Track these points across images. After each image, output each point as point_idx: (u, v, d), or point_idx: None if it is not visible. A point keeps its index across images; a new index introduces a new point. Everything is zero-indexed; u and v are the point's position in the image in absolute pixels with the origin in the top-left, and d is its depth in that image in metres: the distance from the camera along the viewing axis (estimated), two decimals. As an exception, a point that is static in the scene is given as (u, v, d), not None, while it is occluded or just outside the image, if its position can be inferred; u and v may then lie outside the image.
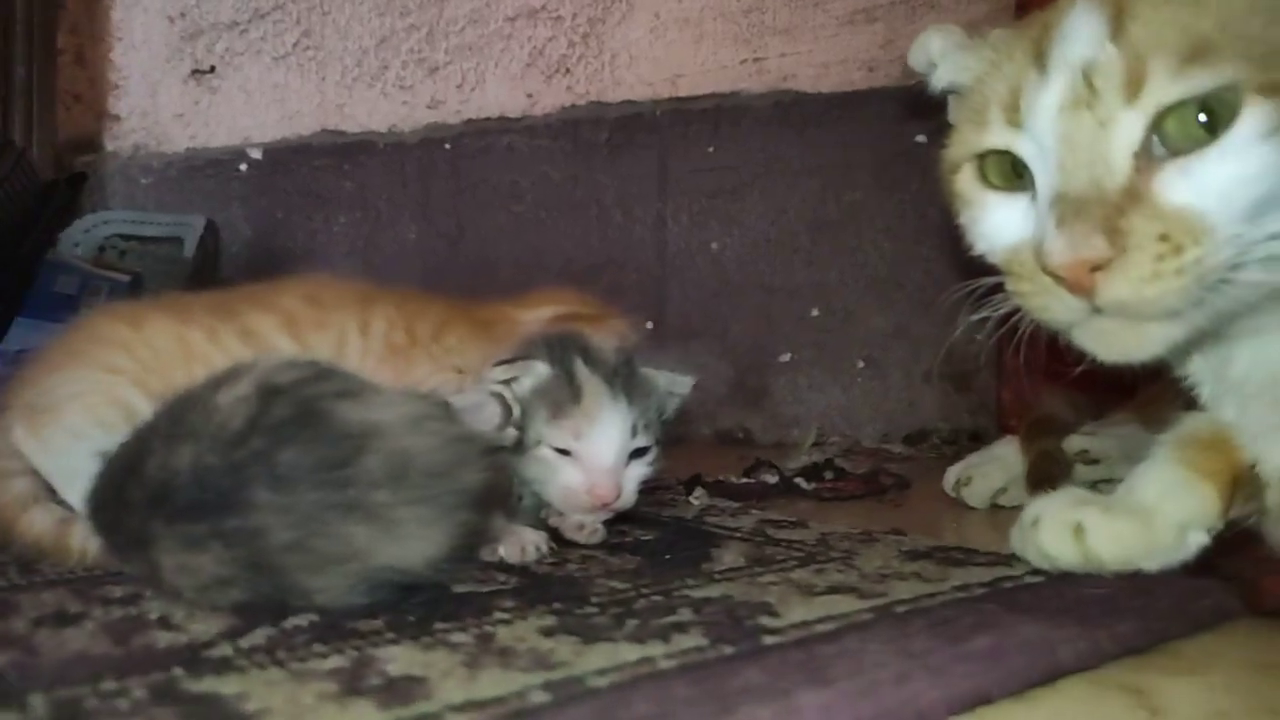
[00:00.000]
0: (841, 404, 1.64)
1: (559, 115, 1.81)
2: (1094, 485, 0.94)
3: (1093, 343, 0.67)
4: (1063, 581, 0.67)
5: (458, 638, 0.54)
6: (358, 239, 1.92)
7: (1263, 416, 0.70)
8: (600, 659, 0.50)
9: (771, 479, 1.15)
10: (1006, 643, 0.52)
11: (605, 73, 1.80)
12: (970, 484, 1.09)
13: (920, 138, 1.47)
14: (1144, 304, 0.61)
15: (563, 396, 0.78)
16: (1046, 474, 0.99)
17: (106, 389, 0.72)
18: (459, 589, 0.65)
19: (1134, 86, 0.61)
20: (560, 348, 0.80)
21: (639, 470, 0.81)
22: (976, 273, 0.74)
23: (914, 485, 1.20)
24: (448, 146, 1.87)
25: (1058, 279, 0.64)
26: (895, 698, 0.45)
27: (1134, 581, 0.66)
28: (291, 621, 0.56)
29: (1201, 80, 0.60)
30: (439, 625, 0.57)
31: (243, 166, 1.99)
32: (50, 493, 0.72)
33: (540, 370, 0.79)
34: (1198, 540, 0.70)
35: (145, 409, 0.67)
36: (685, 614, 0.59)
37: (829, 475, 1.20)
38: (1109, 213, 0.61)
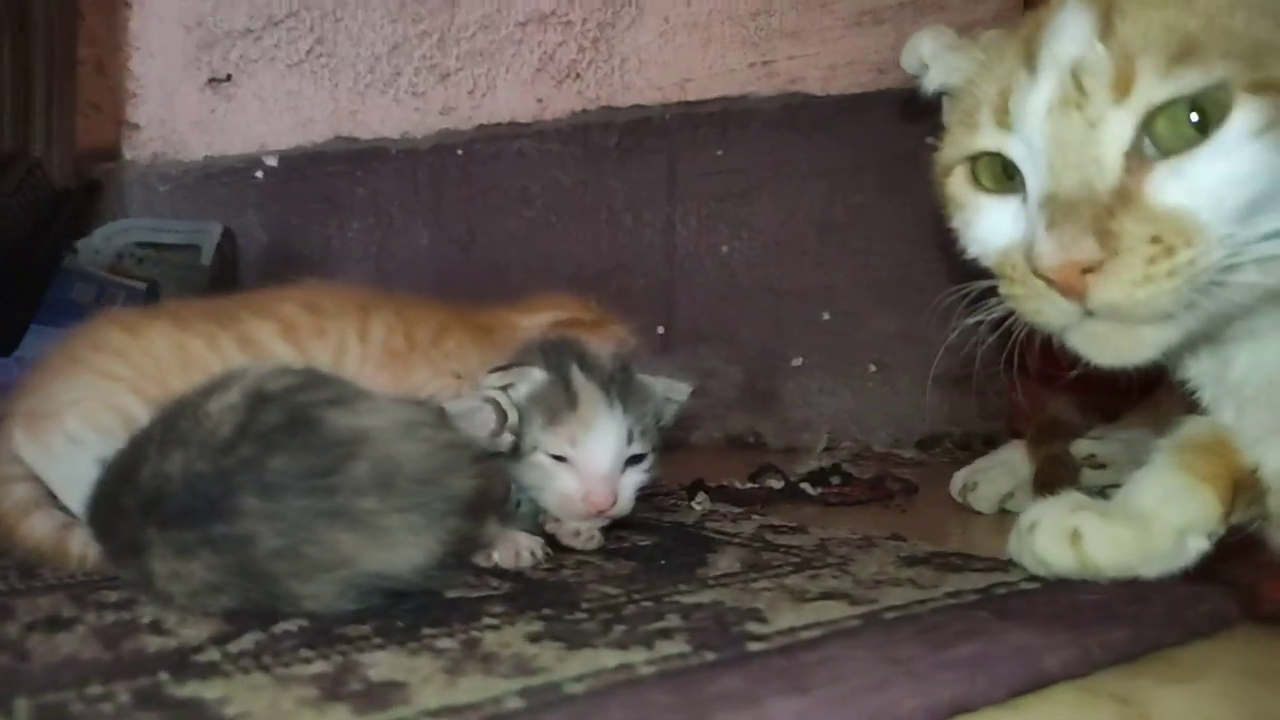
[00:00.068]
0: (852, 408, 1.63)
1: (569, 120, 1.82)
2: (1101, 490, 0.93)
3: (1086, 346, 0.66)
4: (1058, 588, 0.67)
5: (443, 643, 0.55)
6: (371, 245, 1.93)
7: (1261, 420, 0.69)
8: (581, 665, 0.50)
9: (776, 484, 1.15)
10: (992, 650, 0.52)
11: (615, 77, 1.80)
12: (977, 489, 1.08)
13: (930, 139, 1.47)
14: (1136, 306, 0.61)
15: (559, 403, 0.78)
16: (1053, 478, 0.98)
17: (105, 396, 0.73)
18: (451, 594, 0.65)
19: (1123, 86, 0.61)
20: (556, 354, 0.81)
21: (635, 477, 0.81)
22: (971, 276, 0.74)
23: (922, 490, 1.19)
24: (459, 152, 1.88)
25: (1049, 282, 0.63)
26: (873, 705, 0.45)
27: (1130, 588, 0.66)
28: (281, 627, 0.57)
29: (1191, 79, 0.59)
30: (426, 631, 0.57)
31: (258, 174, 2.01)
32: (51, 498, 0.73)
33: (536, 376, 0.79)
34: (1197, 546, 0.69)
35: (143, 416, 0.68)
36: (673, 620, 0.59)
37: (835, 480, 1.19)
38: (1099, 214, 0.60)
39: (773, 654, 0.52)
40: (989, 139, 0.69)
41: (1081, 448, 1.03)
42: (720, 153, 1.72)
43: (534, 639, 0.55)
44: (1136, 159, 0.61)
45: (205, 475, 0.56)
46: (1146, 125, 0.61)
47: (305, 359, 0.78)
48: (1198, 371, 0.74)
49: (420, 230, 1.90)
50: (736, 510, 1.01)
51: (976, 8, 1.55)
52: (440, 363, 0.85)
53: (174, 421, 0.60)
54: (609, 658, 0.51)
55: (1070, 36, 0.64)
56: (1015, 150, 0.67)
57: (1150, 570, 0.68)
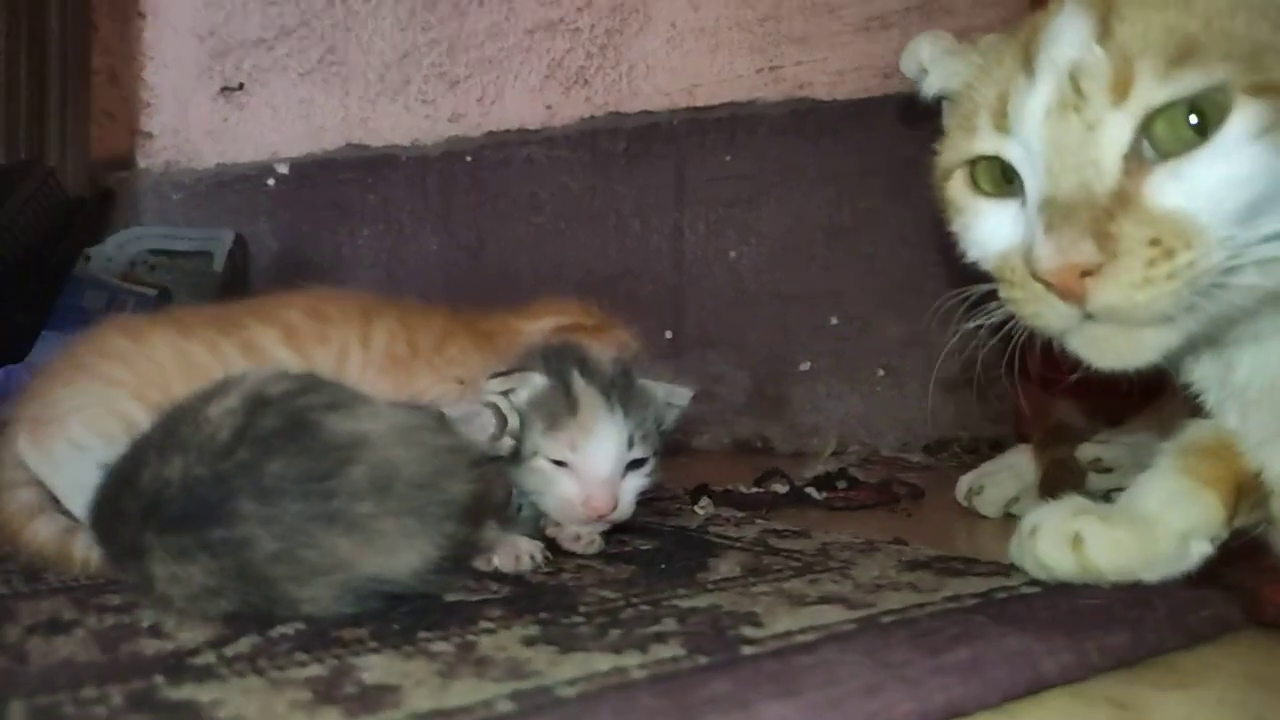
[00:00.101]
0: (861, 413, 1.63)
1: (577, 126, 1.83)
2: (1107, 494, 0.92)
3: (1086, 350, 0.66)
4: (1058, 592, 0.66)
5: (439, 646, 0.55)
6: (381, 251, 1.94)
7: (1265, 423, 0.69)
8: (573, 669, 0.50)
9: (781, 489, 1.14)
10: (987, 654, 0.51)
11: (623, 83, 1.81)
12: (982, 493, 1.08)
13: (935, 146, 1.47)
14: (1135, 309, 0.60)
15: (559, 408, 0.78)
16: (1059, 482, 0.98)
17: (108, 402, 0.73)
18: (450, 598, 0.65)
19: (1121, 88, 0.61)
20: (557, 359, 0.81)
21: (636, 481, 0.81)
22: (971, 280, 0.74)
23: (929, 494, 1.19)
24: (469, 159, 1.89)
25: (1048, 285, 0.63)
26: (865, 709, 0.45)
27: (1131, 592, 0.65)
28: (278, 630, 0.57)
29: (1190, 81, 0.59)
30: (423, 634, 0.57)
31: (270, 181, 2.03)
32: (55, 503, 0.74)
33: (536, 382, 0.79)
34: (1200, 550, 0.68)
35: (145, 421, 0.69)
36: (669, 624, 0.59)
37: (841, 485, 1.19)
38: (1098, 217, 0.60)
39: (765, 658, 0.52)
40: (987, 143, 0.69)
41: (1087, 452, 1.03)
42: (728, 158, 1.72)
43: (529, 642, 0.56)
44: (1135, 161, 0.61)
45: (203, 479, 0.57)
46: (1145, 128, 0.61)
47: (308, 365, 0.78)
48: (1201, 375, 0.74)
49: (430, 237, 1.91)
50: (740, 515, 1.00)
51: (984, 12, 1.55)
52: (443, 368, 0.86)
53: (174, 426, 0.60)
54: (602, 661, 0.51)
55: (1068, 39, 0.64)
56: (1014, 154, 0.67)
57: (1152, 574, 0.67)
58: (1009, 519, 1.04)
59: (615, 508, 0.79)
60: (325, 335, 0.82)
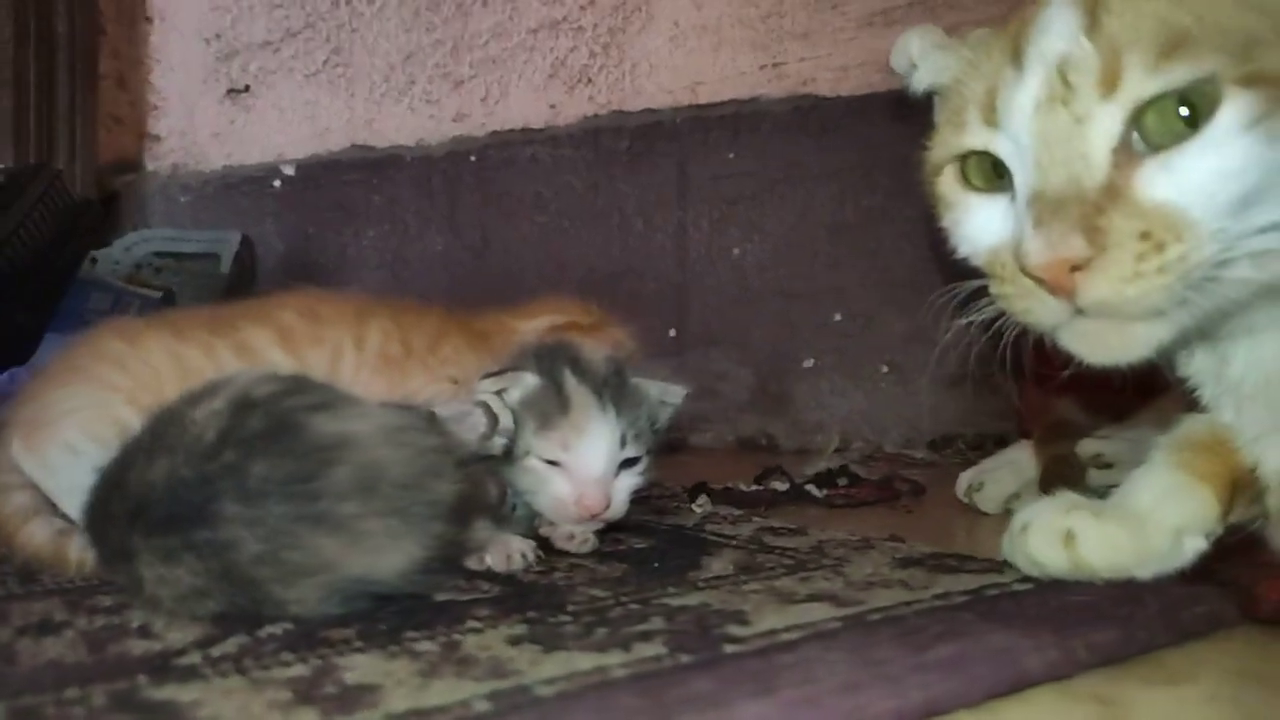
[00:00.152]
0: (865, 409, 1.62)
1: (581, 125, 1.83)
2: (1107, 489, 0.92)
3: (1077, 345, 0.65)
4: (1050, 590, 0.66)
5: (424, 646, 0.55)
6: (387, 252, 1.95)
7: (1260, 418, 0.68)
8: (555, 668, 0.50)
9: (781, 486, 1.14)
10: (970, 652, 0.51)
11: (626, 82, 1.81)
12: (982, 489, 1.08)
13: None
14: (1126, 304, 0.60)
15: (551, 408, 0.78)
16: (1059, 478, 0.97)
17: (103, 405, 0.74)
18: (440, 597, 0.65)
19: (1110, 81, 0.60)
20: (549, 359, 0.81)
21: (629, 480, 0.81)
22: (962, 276, 0.73)
23: (931, 491, 1.18)
24: (473, 159, 1.89)
25: (1038, 280, 0.62)
26: (843, 707, 0.45)
27: (1123, 589, 0.65)
28: (266, 630, 0.57)
29: (1179, 73, 0.59)
30: (409, 634, 0.57)
31: (276, 183, 2.04)
32: (50, 505, 0.75)
33: (528, 381, 0.79)
34: (1195, 546, 0.68)
35: (139, 425, 0.69)
36: (656, 623, 0.59)
37: (842, 482, 1.19)
38: (1087, 211, 0.60)
39: (748, 656, 0.52)
40: (977, 137, 0.68)
41: (1088, 447, 1.02)
42: (731, 156, 1.72)
43: (514, 642, 0.56)
44: (1125, 155, 0.60)
45: (189, 481, 0.57)
46: (1135, 120, 0.60)
47: (302, 366, 0.79)
48: (1196, 369, 0.73)
49: (435, 237, 1.92)
50: (737, 512, 1.00)
51: (987, 7, 1.53)
52: (437, 368, 0.86)
53: (161, 429, 0.61)
54: (584, 660, 0.51)
55: (1057, 32, 0.63)
56: (1003, 148, 0.67)
57: (1145, 571, 0.67)
58: (1009, 515, 1.03)
59: (608, 507, 0.79)
60: (319, 336, 0.83)
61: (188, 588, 0.57)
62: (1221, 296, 0.61)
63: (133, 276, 1.62)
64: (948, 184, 0.72)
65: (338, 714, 0.44)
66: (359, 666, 0.51)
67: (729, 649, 0.53)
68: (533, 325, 0.93)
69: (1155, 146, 0.60)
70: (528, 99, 1.88)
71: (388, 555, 0.58)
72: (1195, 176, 0.58)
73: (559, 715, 0.43)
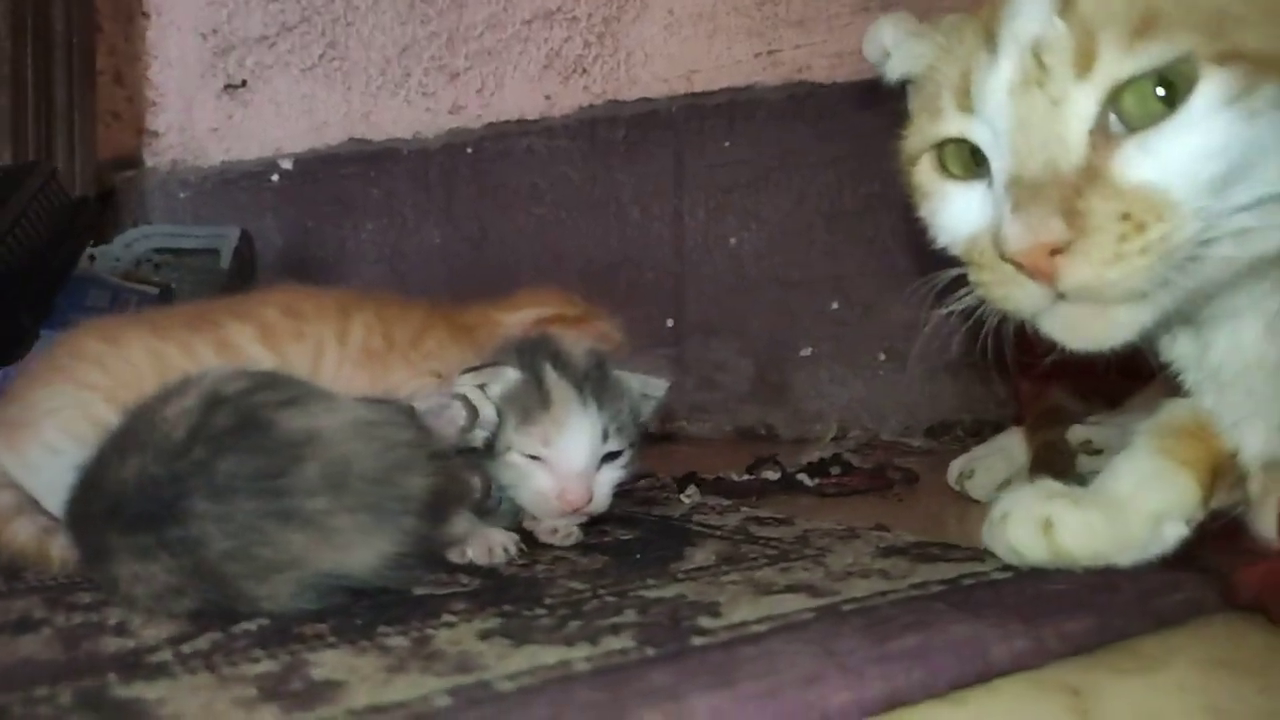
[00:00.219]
0: (863, 397, 1.62)
1: (576, 115, 1.82)
2: (1096, 476, 0.92)
3: (1059, 331, 0.65)
4: (1028, 578, 0.66)
5: (394, 641, 0.55)
6: (385, 245, 1.95)
7: (1240, 403, 0.68)
8: (520, 663, 0.50)
9: (773, 476, 1.14)
10: (936, 642, 0.51)
11: (621, 71, 1.80)
12: (973, 476, 1.07)
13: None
14: (1107, 287, 0.59)
15: (531, 402, 0.78)
16: (1049, 465, 0.97)
17: (82, 405, 0.74)
18: (419, 591, 0.66)
19: (1085, 61, 0.60)
20: (530, 353, 0.81)
21: (612, 474, 0.81)
22: (940, 265, 0.73)
23: (927, 479, 1.18)
24: (469, 151, 1.89)
25: (1017, 266, 0.62)
26: (802, 699, 0.45)
27: (1102, 577, 0.64)
28: (241, 626, 0.58)
29: (1155, 53, 0.58)
30: (382, 629, 0.57)
31: (274, 177, 2.04)
32: (36, 504, 0.75)
33: (509, 376, 0.79)
34: (1176, 532, 0.67)
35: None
36: (629, 615, 0.59)
37: (835, 470, 1.18)
38: (1066, 194, 0.59)
39: (714, 649, 0.52)
40: (952, 124, 0.68)
41: (1078, 434, 1.01)
42: (727, 144, 1.71)
43: (485, 636, 0.56)
44: (1102, 136, 0.60)
45: (159, 479, 0.57)
46: (1112, 101, 0.60)
47: (283, 362, 0.79)
48: (1179, 354, 0.73)
49: (432, 229, 1.92)
50: (726, 503, 1.00)
51: (983, -10, 1.53)
52: (419, 362, 0.86)
53: (135, 426, 0.61)
54: (549, 654, 0.51)
55: (1029, 14, 0.63)
56: (979, 133, 0.66)
57: (1125, 558, 0.67)
58: (1001, 503, 1.03)
59: (590, 501, 0.79)
60: (301, 332, 0.83)
61: (162, 585, 0.58)
62: (1203, 277, 0.61)
63: (130, 273, 1.63)
64: (924, 173, 0.72)
65: (298, 710, 0.44)
66: (327, 662, 0.52)
67: (696, 641, 0.53)
68: (518, 318, 0.93)
69: (1133, 127, 0.59)
70: (523, 90, 1.87)
71: (358, 550, 0.58)
72: (1175, 156, 0.58)
73: (516, 709, 0.44)
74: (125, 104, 2.14)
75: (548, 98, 1.85)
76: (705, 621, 0.57)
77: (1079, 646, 0.55)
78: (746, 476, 1.14)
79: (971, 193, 0.69)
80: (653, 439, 1.62)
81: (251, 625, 0.58)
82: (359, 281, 1.93)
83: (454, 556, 0.74)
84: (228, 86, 2.11)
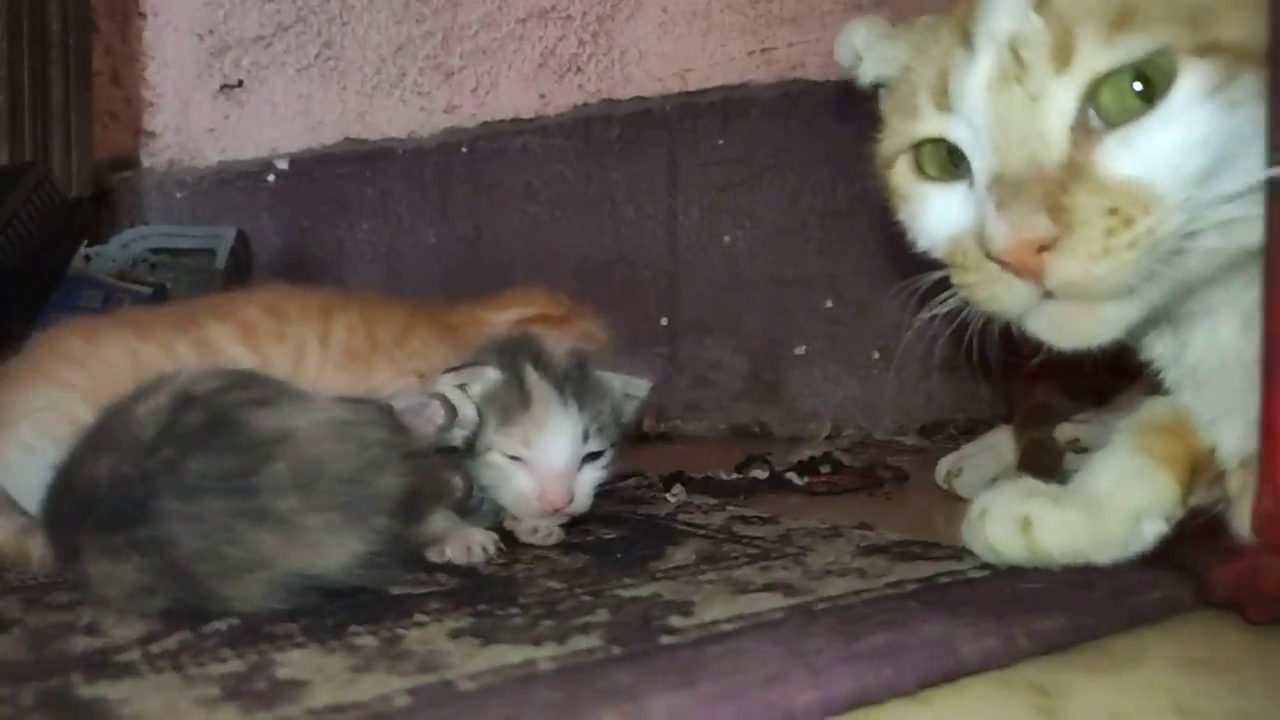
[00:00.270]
0: (857, 396, 1.62)
1: (571, 114, 1.82)
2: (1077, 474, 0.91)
3: (1046, 330, 0.65)
4: (1005, 577, 0.65)
5: (364, 640, 0.55)
6: (380, 245, 1.95)
7: (1217, 399, 0.68)
8: (485, 662, 0.50)
9: (761, 474, 1.14)
10: (904, 640, 0.51)
11: (615, 70, 1.80)
12: (961, 475, 1.07)
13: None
14: (1095, 282, 0.59)
15: (512, 403, 0.78)
16: (1037, 463, 0.97)
17: (59, 405, 0.74)
18: (396, 590, 0.66)
19: (1063, 56, 0.60)
20: (511, 353, 0.81)
21: (593, 474, 0.81)
22: (920, 269, 0.72)
23: (915, 477, 1.18)
24: (464, 150, 1.89)
25: (1003, 264, 0.62)
26: (764, 699, 0.44)
27: (1078, 575, 0.64)
28: (212, 626, 0.58)
29: (1133, 46, 0.58)
30: (353, 628, 0.57)
31: (270, 177, 2.04)
32: (14, 503, 0.75)
33: (490, 376, 0.79)
34: (1155, 529, 0.67)
35: (95, 422, 0.69)
36: (602, 615, 0.59)
37: (825, 469, 1.18)
38: (1051, 190, 0.59)
39: (681, 648, 0.51)
40: (930, 124, 0.68)
41: (1066, 432, 1.01)
42: (721, 142, 1.71)
43: (455, 635, 0.56)
44: (1083, 132, 0.60)
45: (130, 478, 0.57)
46: (1091, 97, 0.60)
47: (264, 363, 0.79)
48: (1160, 352, 0.73)
49: (427, 229, 1.92)
50: (712, 502, 1.00)
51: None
52: (403, 362, 0.86)
53: (108, 425, 0.61)
54: (515, 654, 0.51)
55: (1005, 10, 0.63)
56: (958, 132, 0.66)
57: (1104, 556, 0.66)
58: (989, 501, 1.03)
59: (571, 501, 0.79)
60: (283, 333, 0.83)
61: (133, 584, 0.58)
62: (1188, 270, 0.61)
63: (125, 273, 1.63)
64: (901, 175, 0.72)
65: (259, 710, 0.44)
66: (294, 662, 0.52)
67: (665, 640, 0.53)
68: (503, 317, 0.93)
69: (1112, 123, 0.59)
70: (518, 89, 1.87)
71: (329, 550, 0.58)
72: (1159, 149, 0.58)
73: (475, 709, 0.43)
74: (123, 104, 2.14)
75: (542, 96, 1.85)
76: (676, 621, 0.56)
77: (1051, 645, 0.55)
78: (735, 475, 1.13)
79: (951, 194, 0.68)
80: (647, 438, 1.63)
81: (222, 625, 0.58)
82: (355, 281, 1.93)
83: (433, 556, 0.74)
84: (224, 87, 2.11)
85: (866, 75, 0.76)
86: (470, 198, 1.88)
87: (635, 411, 0.86)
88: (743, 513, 0.94)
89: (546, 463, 0.78)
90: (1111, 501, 0.67)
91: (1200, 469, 0.69)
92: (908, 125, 0.69)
